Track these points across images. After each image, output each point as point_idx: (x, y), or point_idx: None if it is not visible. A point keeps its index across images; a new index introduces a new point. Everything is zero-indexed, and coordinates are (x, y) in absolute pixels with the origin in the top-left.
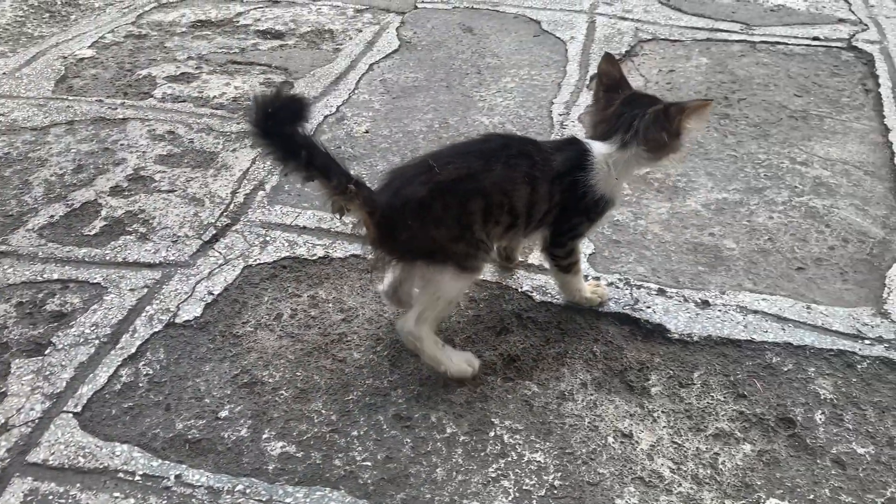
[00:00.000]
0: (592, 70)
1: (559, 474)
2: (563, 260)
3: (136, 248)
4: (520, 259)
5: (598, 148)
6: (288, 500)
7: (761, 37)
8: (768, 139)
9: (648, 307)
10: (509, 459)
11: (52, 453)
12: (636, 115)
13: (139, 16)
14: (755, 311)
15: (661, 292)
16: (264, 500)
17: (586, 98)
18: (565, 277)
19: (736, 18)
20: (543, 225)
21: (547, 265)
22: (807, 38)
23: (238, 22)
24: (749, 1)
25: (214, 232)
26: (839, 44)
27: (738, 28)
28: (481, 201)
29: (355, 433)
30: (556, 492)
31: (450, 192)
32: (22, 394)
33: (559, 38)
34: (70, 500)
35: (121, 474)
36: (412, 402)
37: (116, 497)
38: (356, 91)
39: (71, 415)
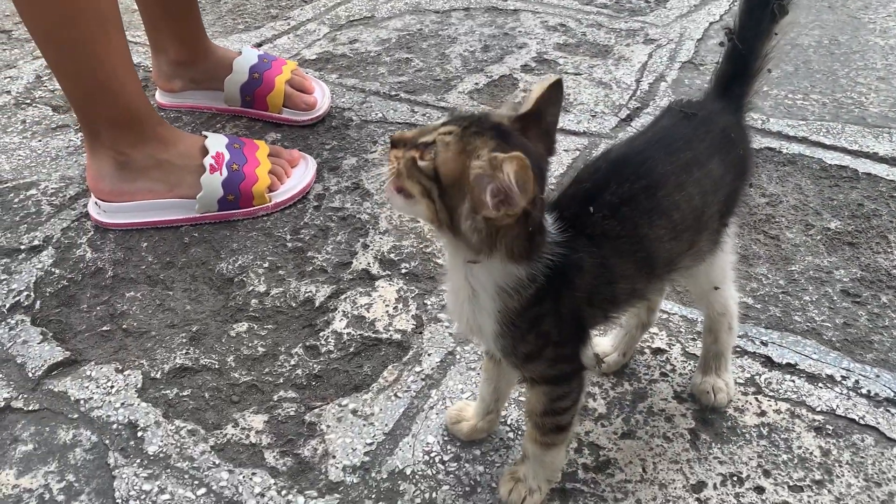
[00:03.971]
0: None
1: None
2: None
3: (561, 117)
4: None
5: None
6: (763, 338)
7: None
8: None
9: None
10: None
11: None
12: None
13: None
14: None
15: None
16: (741, 333)
17: None
18: None
19: None
20: None
21: None
22: None
23: None
24: None
25: (628, 112)
26: None
27: None
28: None
29: (807, 298)
30: None
31: None
32: None
33: None
34: None
35: None
36: (857, 283)
37: None
38: (735, 4)
39: None
